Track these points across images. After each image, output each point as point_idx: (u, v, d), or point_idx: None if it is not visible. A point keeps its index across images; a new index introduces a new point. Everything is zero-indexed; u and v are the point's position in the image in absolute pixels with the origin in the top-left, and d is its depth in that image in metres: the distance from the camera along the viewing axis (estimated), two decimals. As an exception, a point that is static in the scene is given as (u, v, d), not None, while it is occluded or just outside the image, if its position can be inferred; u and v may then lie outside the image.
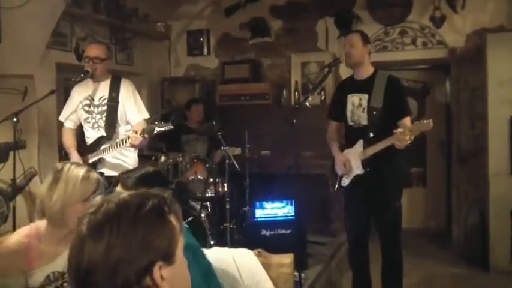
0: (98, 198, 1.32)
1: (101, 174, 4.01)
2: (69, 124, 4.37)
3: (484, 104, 5.34)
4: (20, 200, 4.20)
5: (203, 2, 7.28)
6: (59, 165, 2.28)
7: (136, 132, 3.80)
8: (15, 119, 3.84)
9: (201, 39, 7.39)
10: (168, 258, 1.24)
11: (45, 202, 2.21)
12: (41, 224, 2.27)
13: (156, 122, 3.76)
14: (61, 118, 4.41)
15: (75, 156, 4.18)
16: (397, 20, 6.30)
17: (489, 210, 5.25)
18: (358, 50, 4.04)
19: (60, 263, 2.20)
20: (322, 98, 6.41)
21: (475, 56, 5.61)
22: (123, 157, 4.22)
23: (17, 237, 2.26)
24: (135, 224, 1.20)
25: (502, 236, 5.15)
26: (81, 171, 2.24)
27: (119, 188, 2.20)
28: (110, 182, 3.96)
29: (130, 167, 4.18)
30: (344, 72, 6.32)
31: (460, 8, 5.94)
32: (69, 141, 4.32)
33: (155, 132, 3.73)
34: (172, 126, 3.79)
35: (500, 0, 5.82)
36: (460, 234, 5.94)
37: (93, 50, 4.17)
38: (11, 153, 4.10)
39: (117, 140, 4.04)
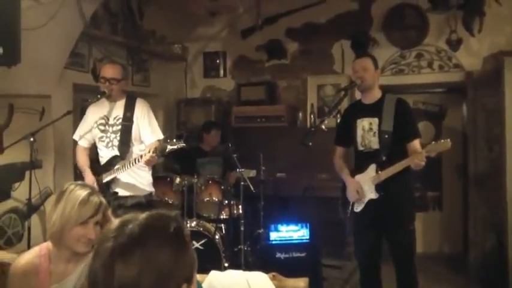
0: (115, 221, 1.32)
1: (115, 193, 4.05)
2: (83, 143, 4.36)
3: (501, 127, 5.28)
4: (35, 219, 4.22)
5: (220, 24, 7.33)
6: (66, 185, 2.26)
7: (149, 151, 3.77)
8: (32, 139, 3.87)
9: (217, 60, 7.45)
10: (190, 280, 1.28)
11: (47, 222, 2.22)
12: (51, 244, 2.27)
13: (169, 140, 3.73)
14: (75, 137, 4.41)
15: (89, 175, 4.17)
16: (413, 43, 6.30)
17: (507, 234, 5.17)
18: (371, 74, 4.02)
19: (70, 282, 2.19)
20: (338, 121, 6.38)
21: (492, 79, 5.57)
22: (137, 177, 4.20)
23: (28, 257, 2.25)
24: (164, 248, 1.23)
25: (520, 261, 5.06)
26: (82, 193, 2.19)
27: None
28: (123, 202, 4.03)
29: (145, 188, 4.24)
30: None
31: (477, 31, 5.92)
32: (83, 160, 4.31)
33: (167, 150, 3.68)
34: (184, 144, 3.72)
35: (518, 23, 5.81)
36: (477, 259, 5.85)
37: (110, 71, 4.17)
38: (27, 172, 4.14)
39: (131, 159, 4.02)
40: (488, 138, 5.78)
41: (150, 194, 4.33)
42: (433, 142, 3.68)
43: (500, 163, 5.37)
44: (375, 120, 3.96)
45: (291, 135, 5.96)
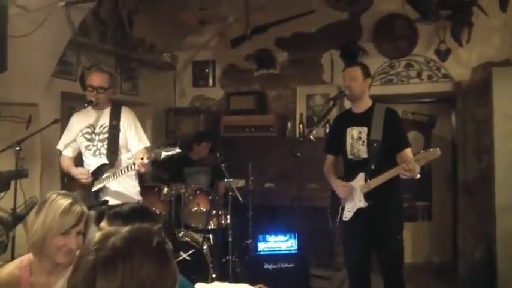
0: (96, 234, 1.29)
1: (106, 202, 4.02)
2: (68, 152, 4.34)
3: (490, 138, 5.29)
4: (20, 229, 4.15)
5: (209, 33, 7.32)
6: (47, 194, 2.24)
7: (142, 158, 3.76)
8: (17, 148, 3.83)
9: (207, 70, 7.43)
10: None
11: (28, 231, 2.18)
12: (32, 255, 2.23)
13: (162, 147, 3.73)
14: (59, 146, 4.38)
15: (77, 169, 4.19)
16: (402, 53, 6.32)
17: (496, 244, 5.17)
18: (358, 83, 4.02)
19: None
20: (327, 130, 6.38)
21: (481, 90, 5.59)
22: (126, 185, 4.20)
23: (9, 269, 2.22)
24: (147, 262, 1.21)
25: (510, 270, 5.05)
26: (64, 203, 2.17)
27: (103, 224, 2.16)
28: (119, 210, 4.03)
29: (134, 196, 4.23)
30: (349, 105, 6.33)
31: (465, 42, 5.94)
32: (69, 162, 4.31)
33: (162, 156, 3.68)
34: (180, 150, 3.73)
35: (506, 34, 5.83)
36: (466, 269, 5.84)
37: (97, 79, 4.17)
38: (13, 182, 4.09)
39: (121, 167, 4.01)
40: (478, 148, 5.79)
41: (138, 202, 4.27)
42: (423, 151, 3.69)
43: (489, 173, 5.38)
44: (364, 129, 3.97)
45: (280, 145, 5.96)
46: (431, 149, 3.60)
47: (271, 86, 7.09)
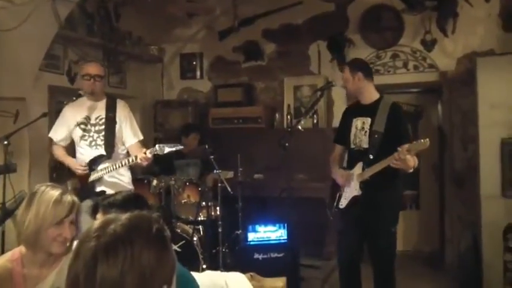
0: (96, 221, 1.31)
1: (103, 192, 4.10)
2: (60, 142, 4.38)
3: (476, 127, 5.36)
4: (9, 224, 4.15)
5: (196, 25, 7.32)
6: (35, 187, 2.25)
7: (145, 153, 3.89)
8: (5, 142, 3.84)
9: (194, 62, 7.43)
10: (170, 282, 1.29)
11: (19, 225, 2.19)
12: (24, 248, 2.24)
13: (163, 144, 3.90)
14: (51, 135, 4.42)
15: (72, 160, 4.25)
16: (389, 43, 6.36)
17: (482, 232, 5.24)
18: (350, 83, 4.11)
19: (46, 286, 2.17)
20: (315, 121, 6.42)
21: (466, 80, 5.66)
22: (119, 176, 4.29)
23: (1, 262, 2.23)
24: (148, 249, 1.22)
25: (495, 258, 5.12)
26: (54, 194, 2.19)
27: (99, 215, 2.19)
28: (112, 200, 4.11)
29: (127, 186, 4.34)
30: (336, 95, 6.40)
31: (451, 32, 5.99)
32: (62, 151, 4.36)
33: (166, 151, 3.84)
34: (182, 146, 3.98)
35: (491, 24, 5.89)
36: (453, 257, 5.93)
37: (94, 68, 4.25)
38: (1, 176, 4.08)
39: (121, 160, 4.11)
40: (464, 137, 5.88)
41: (130, 191, 4.34)
42: (413, 142, 3.72)
43: (474, 162, 5.46)
44: (368, 120, 4.02)
45: (268, 136, 5.99)
46: (421, 140, 3.63)
47: (259, 78, 7.11)
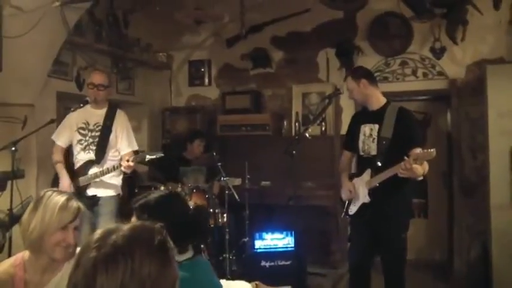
0: (97, 231, 1.30)
1: (95, 196, 4.33)
2: (61, 143, 4.52)
3: (485, 135, 5.33)
4: (16, 230, 4.15)
5: (205, 32, 7.33)
6: (41, 192, 2.27)
7: (128, 160, 4.08)
8: (13, 148, 3.85)
9: (202, 69, 7.44)
10: None
11: (24, 229, 2.19)
12: (27, 253, 2.25)
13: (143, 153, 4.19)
14: (53, 137, 4.53)
15: (64, 178, 4.36)
16: (397, 51, 6.33)
17: (491, 242, 5.20)
18: (356, 92, 4.10)
19: None
20: (323, 129, 6.40)
21: (475, 88, 5.63)
22: (108, 180, 4.41)
23: (2, 267, 2.24)
24: (148, 261, 1.21)
25: (505, 268, 5.07)
26: (60, 199, 2.20)
27: (133, 219, 2.18)
28: (96, 201, 4.29)
29: (117, 189, 4.51)
30: (345, 103, 6.37)
31: (460, 40, 5.96)
32: (61, 162, 4.48)
33: (146, 159, 4.09)
34: (163, 154, 4.13)
35: (500, 32, 5.85)
36: (462, 267, 5.87)
37: (98, 77, 4.41)
38: (9, 182, 4.09)
39: (109, 167, 4.30)
40: (473, 146, 5.84)
41: (119, 194, 4.55)
42: (420, 150, 3.70)
43: (484, 171, 5.42)
44: (375, 127, 4.00)
45: (276, 144, 5.96)
46: (428, 150, 3.61)
47: (267, 85, 7.10)
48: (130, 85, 6.69)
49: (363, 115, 4.22)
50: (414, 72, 6.29)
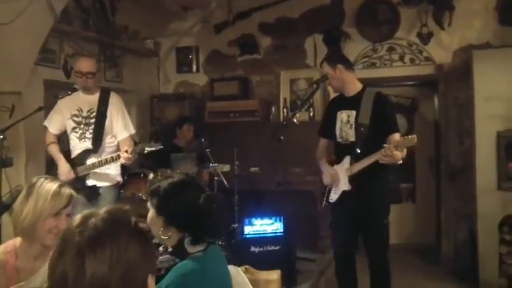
0: (76, 217, 1.31)
1: (94, 186, 4.30)
2: (53, 129, 4.48)
3: (471, 120, 5.38)
4: (6, 218, 4.15)
5: (192, 19, 7.30)
6: (33, 179, 2.29)
7: (126, 152, 3.98)
8: (1, 136, 3.84)
9: (190, 56, 7.41)
10: (154, 271, 1.32)
11: (16, 216, 2.21)
12: (18, 240, 2.26)
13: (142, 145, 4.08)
14: (46, 123, 4.50)
15: (63, 164, 4.30)
16: (385, 36, 6.35)
17: (477, 225, 5.27)
18: (332, 78, 4.11)
19: (38, 279, 2.18)
20: (311, 114, 6.42)
21: (462, 73, 5.67)
22: (106, 169, 4.34)
23: None
24: (132, 242, 1.24)
25: (491, 251, 5.15)
26: (53, 186, 2.23)
27: (148, 203, 2.19)
28: (96, 192, 4.25)
29: (115, 178, 4.46)
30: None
31: (447, 25, 5.99)
32: (56, 148, 4.44)
33: (145, 152, 3.99)
34: (162, 147, 4.05)
35: (487, 17, 5.88)
36: (449, 250, 5.95)
37: (86, 64, 4.31)
38: (-2, 170, 4.08)
39: (107, 157, 4.20)
40: (460, 130, 5.89)
41: (119, 183, 4.53)
42: (401, 137, 3.72)
43: (470, 156, 5.47)
44: (353, 113, 4.00)
45: (265, 130, 5.98)
46: (409, 136, 3.63)
47: (254, 71, 7.09)
48: (118, 73, 6.65)
49: (339, 101, 4.22)
50: (401, 58, 6.31)
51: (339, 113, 4.10)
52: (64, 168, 4.27)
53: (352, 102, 4.04)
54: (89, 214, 1.29)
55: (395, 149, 3.60)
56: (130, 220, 1.29)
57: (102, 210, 1.30)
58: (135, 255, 1.23)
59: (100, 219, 1.25)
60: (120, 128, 4.40)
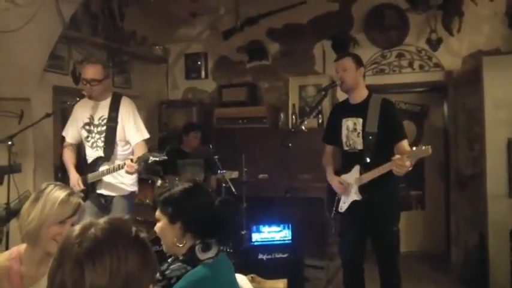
0: (76, 227, 1.30)
1: (101, 195, 4.22)
2: (70, 139, 4.44)
3: (481, 126, 5.34)
4: (14, 224, 4.15)
5: (201, 25, 7.31)
6: (44, 185, 2.29)
7: (131, 160, 3.89)
8: (10, 142, 3.84)
9: (199, 62, 7.42)
10: (154, 281, 1.33)
11: (22, 219, 2.21)
12: (23, 246, 2.26)
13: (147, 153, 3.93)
14: (64, 134, 4.48)
15: (73, 174, 4.25)
16: (394, 43, 6.33)
17: (488, 232, 5.22)
18: (351, 74, 3.98)
19: (43, 285, 2.18)
20: (320, 121, 6.40)
21: (472, 79, 5.64)
22: (120, 177, 4.26)
23: None
24: (131, 251, 1.23)
25: (502, 258, 5.09)
26: (62, 194, 2.23)
27: (157, 213, 2.18)
28: (108, 201, 4.20)
29: (127, 188, 4.33)
30: (341, 95, 6.33)
31: (456, 31, 5.97)
32: (69, 156, 4.38)
33: (149, 161, 3.87)
34: (166, 157, 3.91)
35: (496, 23, 5.85)
36: (459, 257, 5.90)
37: (90, 71, 4.20)
38: (6, 176, 4.09)
39: (115, 165, 4.11)
40: (469, 137, 5.85)
41: (133, 193, 4.41)
42: (414, 148, 3.63)
43: (480, 162, 5.43)
44: (359, 121, 3.94)
45: (273, 136, 5.96)
46: (424, 147, 3.54)
47: (263, 78, 7.09)
48: (126, 78, 6.67)
49: (344, 108, 4.15)
50: (411, 64, 6.29)
51: (344, 120, 4.04)
52: (73, 178, 4.22)
53: (358, 110, 3.98)
54: (88, 224, 1.28)
55: (408, 159, 3.54)
56: (130, 230, 1.29)
57: (102, 220, 1.30)
58: (135, 265, 1.22)
59: (100, 230, 1.25)
60: (132, 132, 4.26)
